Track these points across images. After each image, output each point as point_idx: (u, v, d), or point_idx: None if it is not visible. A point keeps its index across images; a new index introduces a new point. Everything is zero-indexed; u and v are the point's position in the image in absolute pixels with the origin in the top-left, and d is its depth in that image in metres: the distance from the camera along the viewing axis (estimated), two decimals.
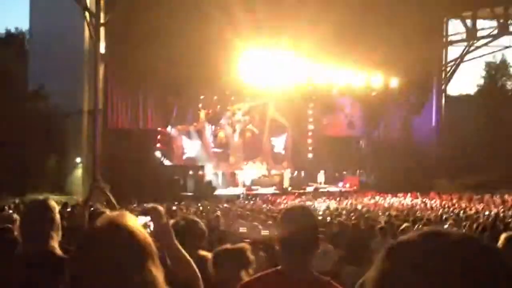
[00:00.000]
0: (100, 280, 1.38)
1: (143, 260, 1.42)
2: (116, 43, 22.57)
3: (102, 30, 22.37)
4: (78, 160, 23.37)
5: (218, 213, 12.06)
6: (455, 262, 0.80)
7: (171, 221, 3.32)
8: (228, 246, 3.09)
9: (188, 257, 2.37)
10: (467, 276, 0.78)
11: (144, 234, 1.49)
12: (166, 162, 26.07)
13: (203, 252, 3.16)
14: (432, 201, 21.33)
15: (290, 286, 2.39)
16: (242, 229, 8.64)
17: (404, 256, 0.83)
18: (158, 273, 1.45)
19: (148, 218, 2.28)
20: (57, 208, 2.99)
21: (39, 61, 24.73)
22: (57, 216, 2.91)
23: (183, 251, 2.38)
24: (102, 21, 22.27)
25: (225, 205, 17.58)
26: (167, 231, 2.35)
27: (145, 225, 2.36)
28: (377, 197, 23.44)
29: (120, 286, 1.38)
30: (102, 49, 22.42)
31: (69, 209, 12.31)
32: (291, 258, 2.41)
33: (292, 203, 16.39)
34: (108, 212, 2.43)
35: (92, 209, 9.16)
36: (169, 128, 26.29)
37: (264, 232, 7.83)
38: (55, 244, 2.81)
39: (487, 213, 15.07)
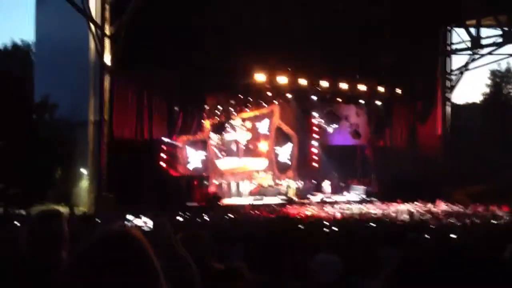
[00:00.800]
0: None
1: (150, 279, 1.37)
2: (121, 55, 22.66)
3: (107, 42, 22.49)
4: (83, 171, 23.41)
5: (225, 223, 12.04)
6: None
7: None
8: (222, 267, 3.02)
9: (188, 259, 2.36)
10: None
11: (152, 253, 1.43)
12: (171, 173, 26.04)
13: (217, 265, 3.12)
14: (439, 210, 21.25)
15: None
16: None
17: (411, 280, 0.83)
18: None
19: (147, 219, 2.28)
20: (65, 218, 2.99)
21: (45, 72, 24.88)
22: (65, 227, 2.91)
23: (181, 251, 2.37)
24: (107, 33, 22.39)
25: (230, 215, 17.54)
26: (165, 229, 2.35)
27: (144, 223, 2.37)
28: (383, 206, 23.37)
29: None
30: (107, 60, 22.53)
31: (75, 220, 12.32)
32: None
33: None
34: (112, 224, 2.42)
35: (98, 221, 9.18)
36: (174, 139, 26.29)
37: None
38: (63, 255, 2.80)
39: (494, 222, 15.01)
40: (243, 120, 29.60)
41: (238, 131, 29.55)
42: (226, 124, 28.78)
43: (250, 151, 29.91)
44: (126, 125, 24.25)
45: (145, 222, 11.23)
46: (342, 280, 6.35)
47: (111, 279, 1.33)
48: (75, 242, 3.83)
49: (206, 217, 16.69)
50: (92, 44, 22.71)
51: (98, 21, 22.28)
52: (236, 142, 29.55)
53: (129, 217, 14.68)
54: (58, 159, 22.81)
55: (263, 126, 30.52)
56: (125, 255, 1.36)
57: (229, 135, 29.20)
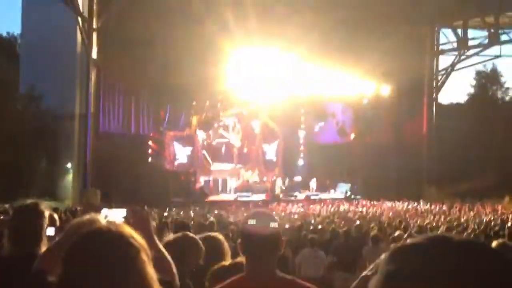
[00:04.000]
0: (92, 282, 1.31)
1: (136, 257, 1.35)
2: (108, 48, 22.53)
3: (94, 35, 22.34)
4: (69, 165, 23.23)
5: (211, 219, 12.01)
6: (461, 265, 0.81)
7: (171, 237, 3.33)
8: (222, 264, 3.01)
9: (167, 254, 2.34)
10: (472, 279, 0.79)
11: (134, 233, 1.42)
12: (158, 168, 25.86)
13: None
14: (423, 209, 21.38)
15: None
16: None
17: (410, 258, 0.84)
18: (151, 270, 1.38)
19: (124, 211, 2.27)
20: (47, 212, 2.96)
21: (31, 65, 24.63)
22: (46, 220, 2.89)
23: (160, 247, 2.36)
24: (94, 26, 22.24)
25: (216, 211, 17.53)
26: (146, 223, 2.32)
27: (122, 217, 2.36)
28: (368, 204, 23.46)
29: (114, 286, 1.32)
30: (94, 54, 22.38)
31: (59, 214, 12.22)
32: (254, 263, 2.42)
33: (256, 210, 16.29)
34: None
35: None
36: (160, 134, 26.17)
37: None
38: (43, 248, 2.77)
39: (477, 221, 15.13)
40: (238, 118, 29.45)
41: (231, 132, 29.35)
42: (214, 120, 28.64)
43: (244, 154, 29.75)
44: (112, 119, 24.12)
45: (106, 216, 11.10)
46: (329, 276, 6.39)
47: (94, 272, 1.31)
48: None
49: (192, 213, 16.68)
50: (79, 37, 22.56)
51: (86, 14, 22.14)
52: (230, 145, 29.31)
53: (104, 212, 14.50)
54: (43, 152, 22.60)
55: (256, 125, 30.41)
56: (105, 245, 1.34)
57: (221, 138, 29.00)
